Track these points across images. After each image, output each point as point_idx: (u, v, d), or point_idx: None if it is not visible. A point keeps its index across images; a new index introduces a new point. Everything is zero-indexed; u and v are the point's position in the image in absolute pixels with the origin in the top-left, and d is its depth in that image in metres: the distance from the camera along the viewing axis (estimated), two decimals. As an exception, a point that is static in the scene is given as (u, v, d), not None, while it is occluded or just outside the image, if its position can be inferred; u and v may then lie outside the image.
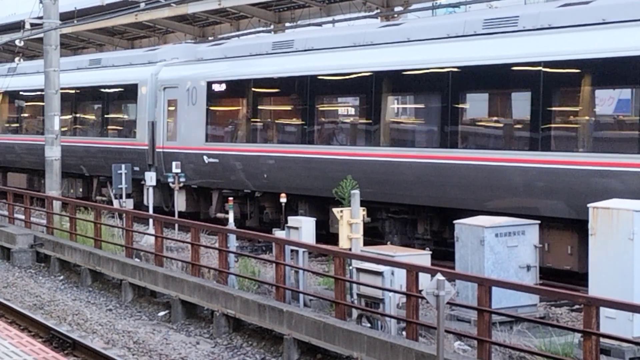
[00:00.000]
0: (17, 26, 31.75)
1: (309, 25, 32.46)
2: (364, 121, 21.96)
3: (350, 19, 30.78)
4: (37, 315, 17.52)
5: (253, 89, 24.84)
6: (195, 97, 26.40)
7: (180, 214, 25.35)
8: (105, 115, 31.39)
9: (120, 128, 31.05)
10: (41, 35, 27.45)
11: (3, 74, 35.89)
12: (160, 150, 27.78)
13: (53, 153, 26.16)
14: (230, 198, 22.06)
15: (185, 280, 17.47)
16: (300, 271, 16.18)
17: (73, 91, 32.65)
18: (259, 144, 24.56)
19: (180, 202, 26.11)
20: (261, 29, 34.35)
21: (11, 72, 35.78)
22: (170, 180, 24.98)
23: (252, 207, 25.34)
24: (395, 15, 29.49)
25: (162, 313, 18.02)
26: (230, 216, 20.39)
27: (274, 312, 14.91)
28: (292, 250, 16.27)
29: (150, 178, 24.74)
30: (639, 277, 12.36)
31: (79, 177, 32.87)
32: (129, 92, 29.77)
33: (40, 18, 27.25)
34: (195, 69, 27.26)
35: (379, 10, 29.57)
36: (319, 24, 32.23)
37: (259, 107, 24.99)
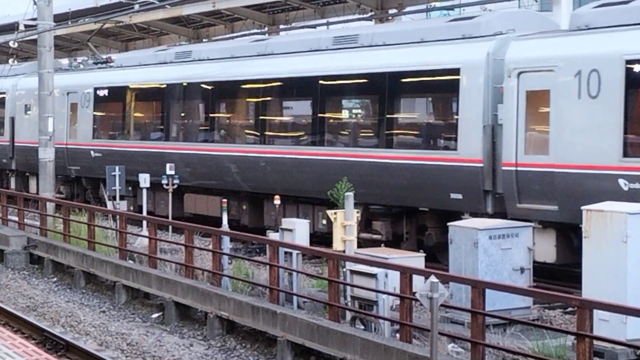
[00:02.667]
0: (11, 27, 31.72)
1: (303, 27, 32.49)
2: None
3: (344, 21, 30.82)
4: (30, 317, 17.49)
5: None
6: (597, 85, 16.79)
7: (553, 267, 18.41)
8: (385, 116, 21.06)
9: (419, 135, 21.02)
10: (35, 36, 27.41)
11: (173, 61, 28.65)
12: (512, 168, 18.12)
13: (47, 154, 26.12)
14: (224, 200, 21.75)
15: (178, 282, 17.44)
16: (294, 273, 16.17)
17: (315, 80, 22.86)
18: None
19: (545, 249, 17.75)
20: (255, 31, 34.36)
21: (183, 58, 27.93)
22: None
23: None
24: (390, 18, 29.54)
25: (155, 315, 18.00)
26: (224, 217, 20.32)
27: (267, 314, 14.90)
28: (286, 253, 16.26)
29: (145, 180, 24.64)
30: (632, 279, 12.38)
31: (306, 203, 22.93)
32: (438, 82, 20.35)
33: (35, 19, 27.21)
34: (592, 42, 17.35)
35: (373, 13, 29.60)
36: (313, 26, 32.26)
37: None
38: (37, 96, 28.27)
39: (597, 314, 11.42)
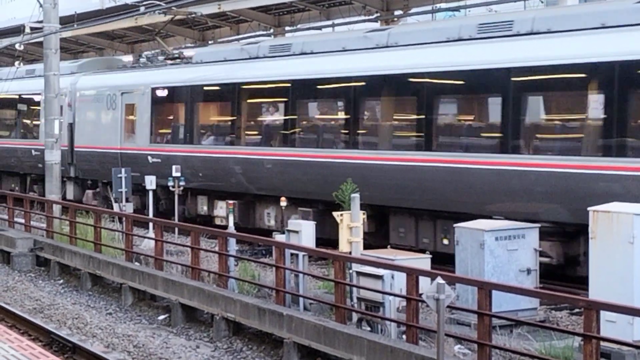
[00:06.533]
0: (17, 30, 31.75)
1: (308, 29, 32.50)
2: None
3: (349, 23, 30.81)
4: (37, 319, 17.51)
5: None
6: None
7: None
8: None
9: None
10: (41, 39, 27.47)
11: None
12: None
13: (53, 157, 26.23)
14: (231, 202, 21.86)
15: (185, 284, 17.46)
16: (300, 275, 16.17)
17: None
18: None
19: None
20: (261, 32, 34.38)
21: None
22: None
23: None
24: (395, 19, 29.52)
25: (162, 317, 18.01)
26: (230, 219, 20.34)
27: (273, 316, 14.91)
28: (292, 254, 16.27)
29: (150, 182, 24.66)
30: (639, 280, 12.35)
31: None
32: None
33: (40, 22, 27.27)
34: None
35: (378, 14, 29.59)
36: (319, 28, 32.26)
37: None
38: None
39: (604, 315, 11.39)
